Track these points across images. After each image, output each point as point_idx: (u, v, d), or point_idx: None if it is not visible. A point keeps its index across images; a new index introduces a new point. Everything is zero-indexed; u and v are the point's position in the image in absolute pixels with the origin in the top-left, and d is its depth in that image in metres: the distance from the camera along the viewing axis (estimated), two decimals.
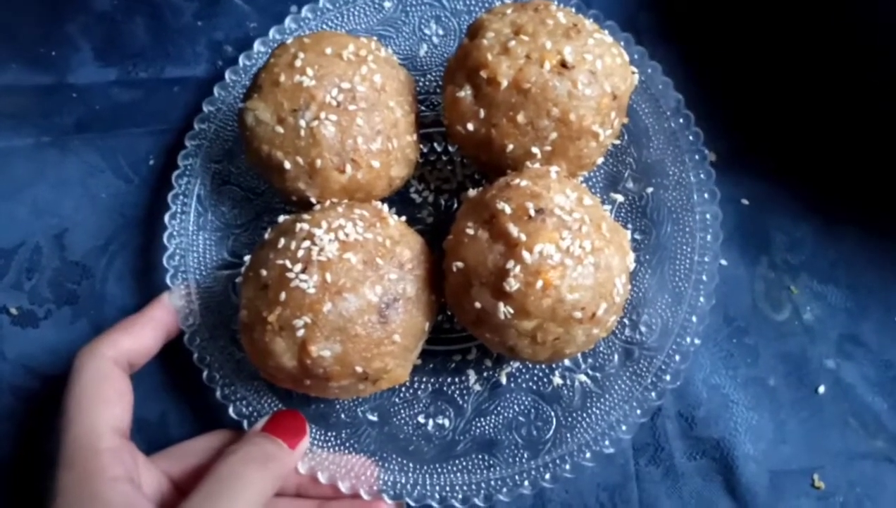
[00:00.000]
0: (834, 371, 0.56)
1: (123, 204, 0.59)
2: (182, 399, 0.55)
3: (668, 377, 0.51)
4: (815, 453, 0.54)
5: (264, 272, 0.46)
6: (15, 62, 0.62)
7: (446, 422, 0.52)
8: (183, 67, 0.63)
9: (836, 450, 0.54)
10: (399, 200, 0.58)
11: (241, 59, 0.59)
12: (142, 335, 0.50)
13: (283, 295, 0.44)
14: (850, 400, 0.55)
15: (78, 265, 0.58)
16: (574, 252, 0.43)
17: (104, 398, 0.46)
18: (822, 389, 0.56)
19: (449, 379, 0.54)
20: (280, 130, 0.48)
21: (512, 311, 0.43)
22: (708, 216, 0.54)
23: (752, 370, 0.56)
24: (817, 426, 0.55)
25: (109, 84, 0.62)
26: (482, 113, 0.49)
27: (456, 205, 0.58)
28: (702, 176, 0.55)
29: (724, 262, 0.57)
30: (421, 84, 0.60)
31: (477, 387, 0.54)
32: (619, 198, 0.57)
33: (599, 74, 0.48)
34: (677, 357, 0.52)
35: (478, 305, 0.45)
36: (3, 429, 0.54)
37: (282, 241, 0.47)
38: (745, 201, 0.59)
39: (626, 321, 0.54)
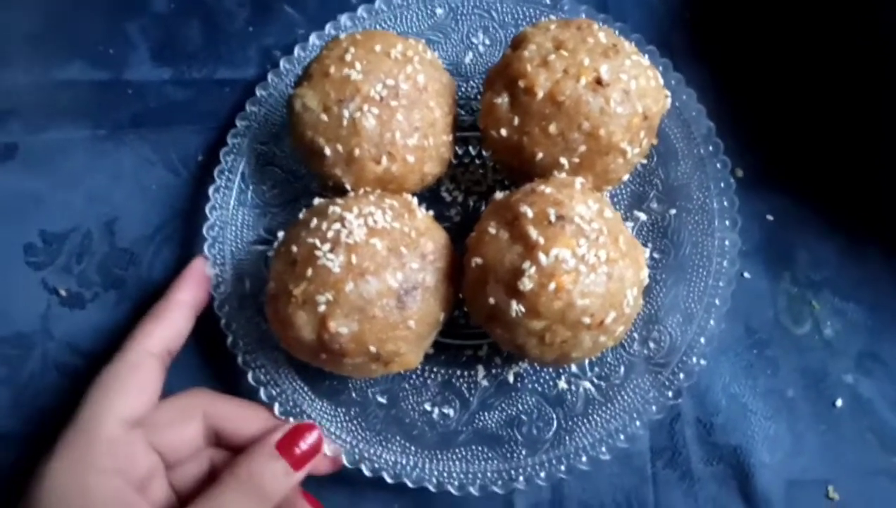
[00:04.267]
0: (852, 387, 0.57)
1: (172, 196, 0.63)
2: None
3: (670, 394, 0.53)
4: (831, 465, 0.55)
5: (295, 249, 0.49)
6: (77, 58, 0.67)
7: (451, 412, 0.55)
8: (234, 70, 0.66)
9: (852, 464, 0.55)
10: (430, 196, 0.60)
11: (297, 50, 0.62)
12: (173, 320, 0.52)
13: (309, 271, 0.47)
14: (868, 416, 0.56)
15: (126, 252, 0.61)
16: (589, 260, 0.45)
17: (122, 387, 0.48)
18: (839, 403, 0.57)
19: (458, 372, 0.56)
20: (325, 117, 0.51)
21: (523, 310, 0.45)
22: (727, 243, 0.55)
23: (772, 382, 0.57)
24: (834, 439, 0.56)
25: (164, 83, 0.66)
26: (516, 120, 0.51)
27: (483, 207, 0.60)
28: (725, 203, 0.56)
29: (747, 275, 0.59)
30: (463, 89, 0.63)
31: (484, 383, 0.55)
32: (643, 217, 0.58)
33: (633, 94, 0.49)
34: (682, 375, 0.53)
35: (492, 301, 0.47)
36: (49, 404, 0.57)
37: (314, 221, 0.49)
38: (769, 217, 0.61)
39: (635, 335, 0.55)
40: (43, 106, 0.65)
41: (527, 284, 0.45)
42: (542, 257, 0.45)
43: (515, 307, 0.45)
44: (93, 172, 0.63)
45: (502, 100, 0.51)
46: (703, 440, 0.56)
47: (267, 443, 0.48)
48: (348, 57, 0.52)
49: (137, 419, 0.48)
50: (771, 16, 0.66)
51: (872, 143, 0.62)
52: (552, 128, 0.50)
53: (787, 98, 0.64)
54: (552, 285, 0.44)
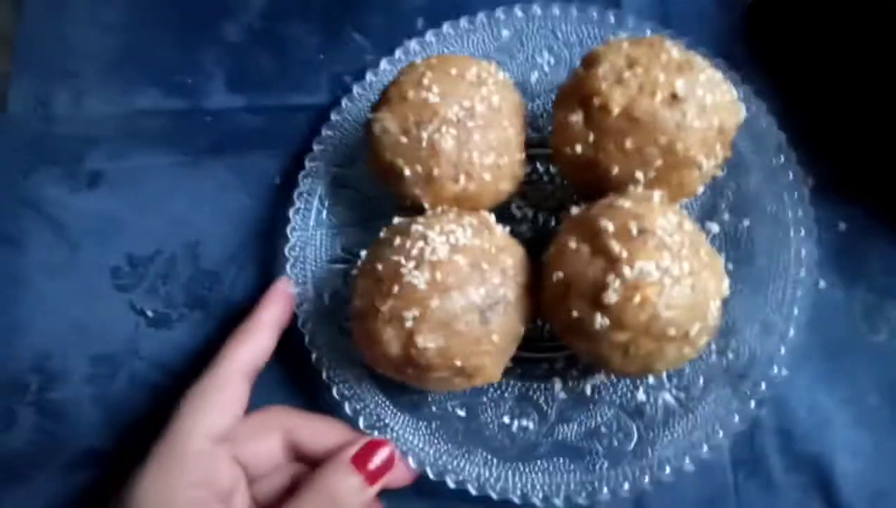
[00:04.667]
0: None
1: (251, 219, 0.65)
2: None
3: (752, 404, 0.53)
4: None
5: (380, 267, 0.50)
6: (154, 87, 0.70)
7: (530, 425, 0.55)
8: (305, 96, 0.69)
9: None
10: (500, 213, 0.61)
11: (368, 75, 0.64)
12: (259, 339, 0.54)
13: (395, 288, 0.49)
14: None
15: (209, 273, 0.64)
16: (673, 272, 0.46)
17: (210, 404, 0.50)
18: None
19: (535, 385, 0.57)
20: (404, 140, 0.53)
21: (608, 322, 0.46)
22: (803, 252, 0.55)
23: (851, 390, 0.57)
24: None
25: (239, 110, 0.69)
26: (591, 137, 0.52)
27: (554, 222, 0.61)
28: (799, 213, 0.56)
29: (822, 284, 0.59)
30: (529, 108, 0.64)
31: (562, 395, 0.56)
32: (715, 228, 0.59)
33: (708, 108, 0.50)
34: (763, 386, 0.53)
35: (575, 314, 0.48)
36: (138, 421, 0.60)
37: (397, 240, 0.51)
38: (842, 226, 0.61)
39: (713, 346, 0.55)
40: (125, 134, 0.68)
41: (611, 297, 0.46)
42: (626, 270, 0.45)
43: (600, 321, 0.46)
44: (175, 197, 0.66)
45: (576, 118, 0.52)
46: (784, 450, 0.55)
47: (343, 458, 0.50)
48: (425, 81, 0.54)
49: (223, 435, 0.50)
50: (834, 22, 0.66)
51: None
52: (628, 143, 0.50)
53: (853, 105, 0.64)
54: (637, 298, 0.45)
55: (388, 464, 0.51)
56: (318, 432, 0.53)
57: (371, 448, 0.51)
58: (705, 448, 0.52)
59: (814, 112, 0.63)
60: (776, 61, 0.66)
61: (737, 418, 0.53)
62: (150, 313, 0.63)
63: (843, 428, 0.56)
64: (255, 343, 0.54)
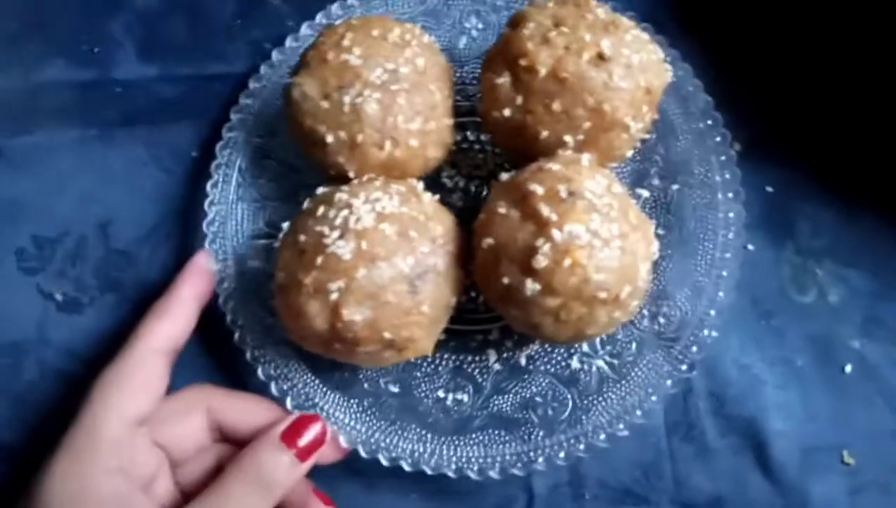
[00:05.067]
0: (859, 352, 0.58)
1: (166, 195, 0.61)
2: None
3: (684, 367, 0.53)
4: (843, 430, 0.56)
5: (303, 238, 0.48)
6: (59, 58, 0.65)
7: (465, 398, 0.54)
8: (223, 64, 0.65)
9: (864, 428, 0.56)
10: (431, 183, 0.59)
11: (289, 41, 0.61)
12: (178, 316, 0.51)
13: (319, 260, 0.46)
14: (876, 380, 0.57)
15: (122, 254, 0.60)
16: (602, 235, 0.45)
17: (127, 386, 0.47)
18: (848, 369, 0.57)
19: (469, 357, 0.55)
20: (325, 105, 0.51)
21: (539, 287, 0.45)
22: (731, 215, 0.56)
23: (780, 351, 0.58)
24: (845, 404, 0.56)
25: (152, 80, 0.65)
26: (519, 100, 0.51)
27: (485, 192, 0.60)
28: (727, 176, 0.57)
29: (750, 247, 0.60)
30: (458, 75, 0.62)
31: (496, 367, 0.55)
32: (645, 193, 0.59)
33: (635, 69, 0.50)
34: (694, 348, 0.53)
35: (506, 281, 0.46)
36: (48, 411, 0.56)
37: (321, 209, 0.49)
38: (769, 189, 0.62)
39: (645, 311, 0.55)
40: (26, 109, 0.63)
41: (541, 261, 0.44)
42: (555, 233, 0.45)
43: (530, 286, 0.45)
44: (83, 174, 0.62)
45: (504, 80, 0.51)
46: (716, 413, 0.56)
47: (271, 435, 0.48)
48: (346, 42, 0.51)
49: (142, 418, 0.47)
50: None
51: (868, 110, 0.63)
52: (556, 105, 0.49)
53: (781, 69, 0.64)
54: (567, 261, 0.44)
55: (319, 440, 0.48)
56: (244, 411, 0.50)
57: (301, 423, 0.48)
58: (639, 413, 0.52)
59: (741, 76, 0.64)
60: (703, 25, 0.66)
61: (669, 382, 0.53)
62: (59, 298, 0.59)
63: (773, 389, 0.57)
64: (173, 320, 0.51)
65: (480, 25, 0.63)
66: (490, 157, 0.61)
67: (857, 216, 0.61)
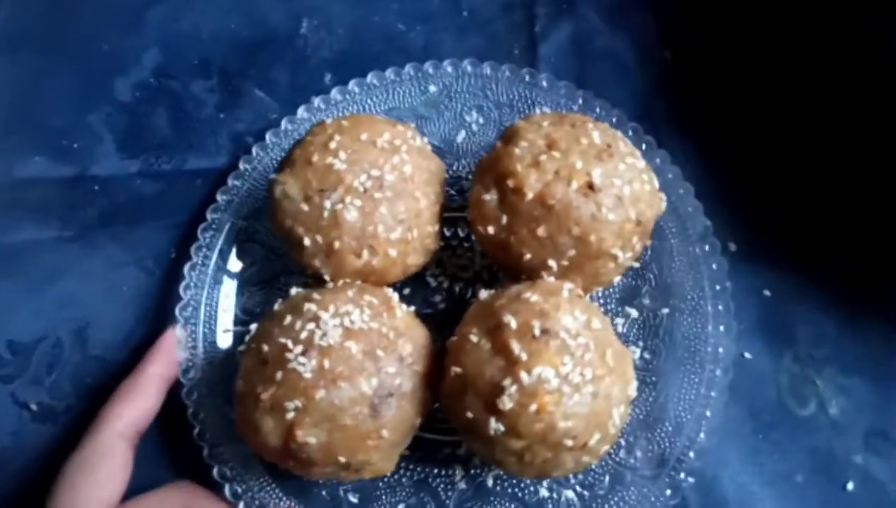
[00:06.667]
0: (862, 467, 0.55)
1: (145, 297, 0.59)
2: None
3: (668, 492, 0.50)
4: None
5: (266, 348, 0.46)
6: (39, 154, 0.63)
7: None
8: (205, 159, 0.63)
9: None
10: (413, 282, 0.58)
11: (268, 136, 0.60)
12: (143, 399, 0.50)
13: (279, 374, 0.45)
14: (881, 497, 0.54)
15: (98, 360, 0.58)
16: (573, 380, 0.43)
17: (95, 475, 0.47)
18: (850, 486, 0.54)
19: (435, 471, 0.53)
20: (305, 207, 0.49)
21: (502, 428, 0.43)
22: (721, 350, 0.53)
23: (780, 466, 0.55)
24: None
25: (132, 176, 0.63)
26: (504, 219, 0.49)
27: (470, 294, 0.58)
28: (720, 308, 0.54)
29: (748, 355, 0.57)
30: (455, 168, 0.61)
31: (462, 485, 0.53)
32: (634, 313, 0.56)
33: (626, 200, 0.47)
34: (668, 492, 0.50)
35: (470, 415, 0.44)
36: None
37: (288, 318, 0.47)
38: (766, 293, 0.59)
39: (622, 442, 0.53)
40: (5, 206, 0.62)
41: (507, 403, 0.42)
42: (523, 375, 0.42)
43: (494, 425, 0.43)
44: (61, 276, 0.60)
45: (491, 197, 0.49)
46: None
47: None
48: (333, 145, 0.50)
49: (111, 506, 0.46)
50: (756, 79, 0.64)
51: (869, 210, 0.60)
52: (541, 231, 0.47)
53: (778, 167, 0.62)
54: (533, 406, 0.42)
55: None
56: None
57: None
58: None
59: (735, 177, 0.61)
60: (697, 124, 0.63)
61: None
62: (34, 407, 0.57)
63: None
64: (139, 402, 0.50)
65: (481, 120, 0.62)
66: (478, 258, 0.59)
67: (859, 323, 0.58)
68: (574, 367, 0.43)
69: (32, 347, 0.58)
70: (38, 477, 0.54)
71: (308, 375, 0.44)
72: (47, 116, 0.65)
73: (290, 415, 0.44)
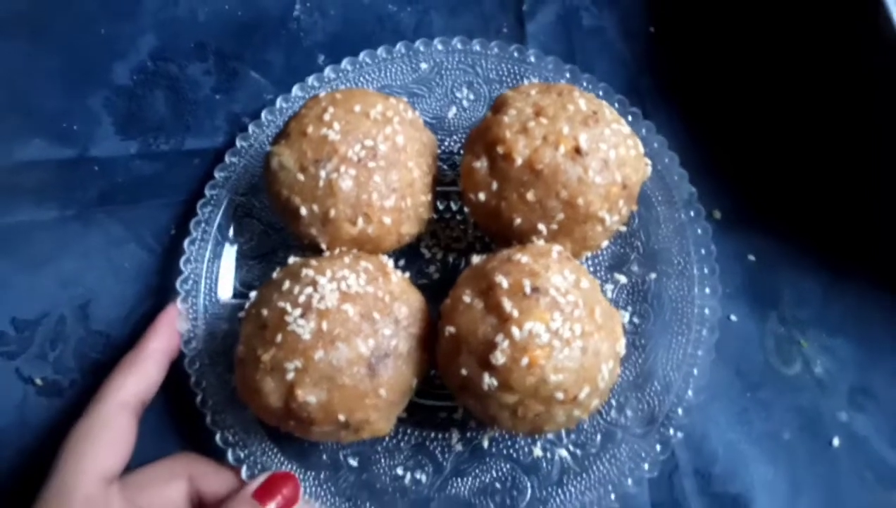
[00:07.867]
0: (847, 424, 0.57)
1: (146, 273, 0.61)
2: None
3: (646, 466, 0.52)
4: (832, 506, 0.54)
5: (265, 312, 0.48)
6: (38, 137, 0.64)
7: (423, 477, 0.53)
8: (202, 139, 0.65)
9: (853, 504, 0.55)
10: (409, 253, 0.59)
11: (264, 114, 0.61)
12: (146, 371, 0.52)
13: (279, 337, 0.46)
14: (865, 453, 0.56)
15: (102, 335, 0.59)
16: (563, 334, 0.44)
17: (97, 444, 0.48)
18: (836, 442, 0.56)
19: (432, 434, 0.55)
20: (301, 177, 0.51)
21: (496, 383, 0.44)
22: (706, 311, 0.55)
23: (767, 425, 0.57)
24: (833, 479, 0.55)
25: (131, 157, 0.64)
26: (495, 185, 0.50)
27: (463, 264, 0.60)
28: (705, 271, 0.56)
29: (733, 318, 0.59)
30: (446, 144, 0.62)
31: (458, 447, 0.54)
32: (623, 279, 0.58)
33: (612, 164, 0.49)
34: (658, 447, 0.52)
35: (464, 372, 0.46)
36: (29, 495, 0.53)
37: (286, 284, 0.49)
38: (751, 257, 0.61)
39: (613, 402, 0.54)
40: (5, 189, 0.63)
41: (499, 358, 0.44)
42: (515, 330, 0.44)
43: (488, 380, 0.45)
44: (62, 255, 0.61)
45: (481, 164, 0.51)
46: (703, 491, 0.55)
47: (244, 494, 0.48)
48: (327, 117, 0.51)
49: (112, 476, 0.48)
50: (740, 51, 0.66)
51: (850, 176, 0.62)
52: (530, 195, 0.49)
53: (760, 136, 0.64)
54: (525, 360, 0.44)
55: (291, 499, 0.49)
56: (225, 482, 0.51)
57: (274, 482, 0.49)
58: (613, 497, 0.51)
59: (720, 144, 0.63)
60: (682, 95, 0.65)
61: (646, 465, 0.52)
62: (39, 381, 0.58)
63: (759, 465, 0.56)
64: (141, 374, 0.51)
65: (472, 96, 0.63)
66: (471, 229, 0.61)
67: (842, 284, 0.60)
68: (564, 323, 0.45)
69: (36, 323, 0.59)
70: (44, 451, 0.55)
71: (307, 337, 0.46)
72: (46, 100, 0.66)
73: (290, 376, 0.46)
